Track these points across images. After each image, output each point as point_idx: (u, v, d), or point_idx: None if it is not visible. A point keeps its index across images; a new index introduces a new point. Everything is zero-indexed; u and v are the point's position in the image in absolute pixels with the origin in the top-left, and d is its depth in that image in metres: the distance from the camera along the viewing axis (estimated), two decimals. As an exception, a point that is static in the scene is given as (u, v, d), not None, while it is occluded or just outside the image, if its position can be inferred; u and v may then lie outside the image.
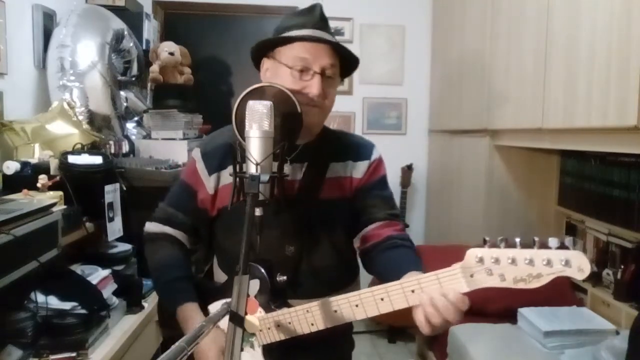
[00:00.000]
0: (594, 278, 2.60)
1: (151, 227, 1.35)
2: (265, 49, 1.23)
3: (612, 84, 1.84)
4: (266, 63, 1.23)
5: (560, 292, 2.61)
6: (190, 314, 1.20)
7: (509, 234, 0.88)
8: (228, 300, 1.02)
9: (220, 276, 1.33)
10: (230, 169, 1.21)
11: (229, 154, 1.23)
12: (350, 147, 1.30)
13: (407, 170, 3.89)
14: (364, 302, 0.99)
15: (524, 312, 2.46)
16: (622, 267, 2.41)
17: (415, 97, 4.06)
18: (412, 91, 4.06)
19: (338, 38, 1.25)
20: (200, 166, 1.27)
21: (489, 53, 2.94)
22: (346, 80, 3.99)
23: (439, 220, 3.85)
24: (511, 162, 2.98)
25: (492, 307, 2.61)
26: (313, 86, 1.15)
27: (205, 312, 1.22)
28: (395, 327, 3.64)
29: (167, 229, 1.32)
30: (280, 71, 1.18)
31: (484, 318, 2.58)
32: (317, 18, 1.21)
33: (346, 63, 1.24)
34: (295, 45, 1.17)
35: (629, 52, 1.74)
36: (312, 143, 1.24)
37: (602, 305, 2.49)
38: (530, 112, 2.45)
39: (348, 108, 4.01)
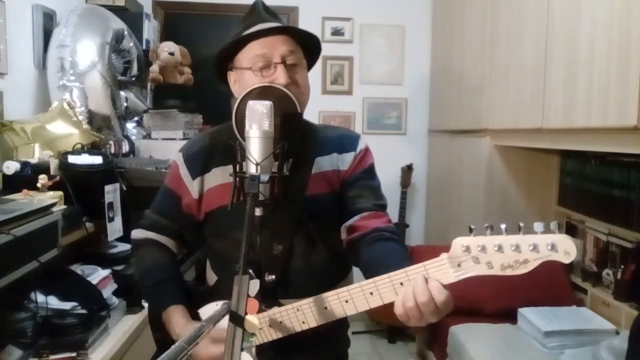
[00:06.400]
0: (594, 278, 2.60)
1: (137, 234, 1.33)
2: (225, 63, 1.21)
3: (612, 84, 1.84)
4: (232, 76, 1.21)
5: (560, 292, 2.61)
6: (174, 316, 1.17)
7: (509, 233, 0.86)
8: (219, 302, 1.01)
9: (212, 279, 1.31)
10: (214, 171, 1.22)
11: (211, 157, 1.23)
12: (334, 139, 1.27)
13: (407, 170, 3.89)
14: (353, 297, 0.98)
15: (524, 312, 2.46)
16: (622, 267, 2.41)
17: (415, 97, 4.06)
18: (412, 91, 4.06)
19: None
20: (183, 171, 1.25)
21: (489, 53, 2.94)
22: (346, 80, 3.99)
23: (439, 220, 3.85)
24: (511, 162, 2.98)
25: (492, 307, 2.62)
26: (279, 77, 1.12)
27: (195, 316, 1.20)
28: (395, 327, 3.64)
29: (151, 235, 1.30)
30: (245, 76, 1.16)
31: (484, 318, 2.59)
32: (261, 13, 1.20)
33: (309, 49, 1.21)
34: (250, 45, 1.15)
35: (629, 52, 1.74)
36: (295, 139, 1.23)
37: (602, 305, 2.49)
38: (530, 112, 2.45)
39: (348, 108, 4.01)
